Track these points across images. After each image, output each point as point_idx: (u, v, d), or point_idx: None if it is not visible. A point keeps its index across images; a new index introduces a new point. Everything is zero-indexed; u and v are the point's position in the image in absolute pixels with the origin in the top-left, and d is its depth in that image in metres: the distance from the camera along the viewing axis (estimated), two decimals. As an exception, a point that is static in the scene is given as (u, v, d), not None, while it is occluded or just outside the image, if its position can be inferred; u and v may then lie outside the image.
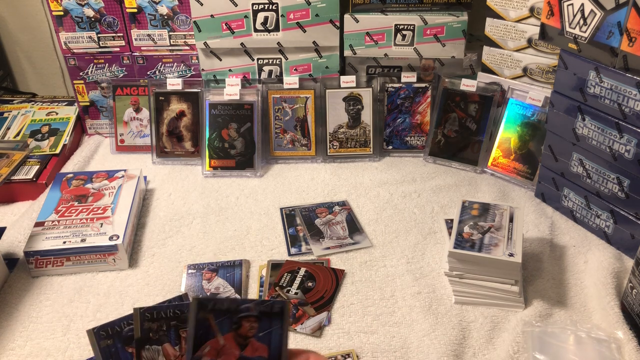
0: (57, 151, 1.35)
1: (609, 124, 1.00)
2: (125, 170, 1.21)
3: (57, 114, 1.47)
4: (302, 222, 1.15)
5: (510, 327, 0.90)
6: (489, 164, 1.31)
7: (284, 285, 0.99)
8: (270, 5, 1.29)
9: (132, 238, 1.11)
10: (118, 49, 1.38)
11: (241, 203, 1.22)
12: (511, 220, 0.99)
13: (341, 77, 1.35)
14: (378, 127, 1.37)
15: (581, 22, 1.00)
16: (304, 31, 1.32)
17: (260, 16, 1.30)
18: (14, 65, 1.69)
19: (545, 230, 1.12)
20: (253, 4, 1.29)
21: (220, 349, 0.43)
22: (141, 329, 0.43)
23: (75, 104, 1.48)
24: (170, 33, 1.36)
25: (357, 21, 1.32)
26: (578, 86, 1.03)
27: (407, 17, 1.31)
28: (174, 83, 1.35)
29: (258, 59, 1.37)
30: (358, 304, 0.95)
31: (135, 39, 1.37)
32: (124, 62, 1.39)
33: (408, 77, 1.36)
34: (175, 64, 1.39)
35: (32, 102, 1.52)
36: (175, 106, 1.36)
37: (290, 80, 1.35)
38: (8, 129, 1.42)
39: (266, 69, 1.38)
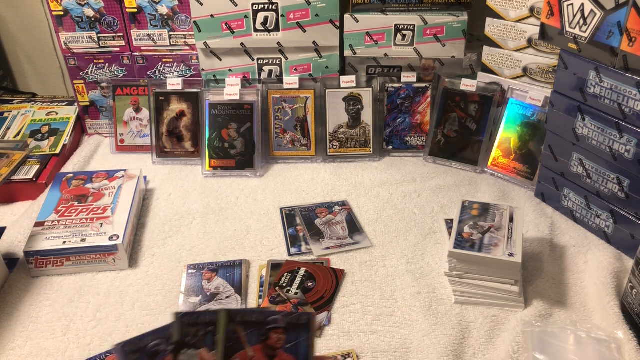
0: (57, 151, 1.35)
1: (609, 124, 1.00)
2: (125, 170, 1.21)
3: (57, 114, 1.48)
4: (302, 222, 1.15)
5: (510, 327, 0.90)
6: (489, 164, 1.31)
7: (284, 285, 0.99)
8: (270, 5, 1.29)
9: (132, 238, 1.11)
10: (118, 49, 1.38)
11: (241, 203, 1.22)
12: (511, 220, 0.99)
13: (341, 77, 1.35)
14: (378, 127, 1.37)
15: (581, 22, 0.99)
16: (304, 31, 1.32)
17: (260, 16, 1.30)
18: (14, 65, 1.69)
19: (545, 230, 1.12)
20: (253, 4, 1.29)
21: None
22: (179, 333, 0.44)
23: (75, 104, 1.48)
24: (170, 33, 1.36)
25: (357, 21, 1.32)
26: (578, 86, 1.03)
27: (407, 17, 1.31)
28: (174, 83, 1.35)
29: (258, 59, 1.37)
30: (358, 304, 0.95)
31: (135, 39, 1.37)
32: (124, 62, 1.39)
33: (408, 77, 1.36)
34: (175, 64, 1.39)
35: (32, 102, 1.52)
36: (175, 106, 1.36)
37: (290, 80, 1.35)
38: (8, 129, 1.42)
39: (266, 69, 1.38)
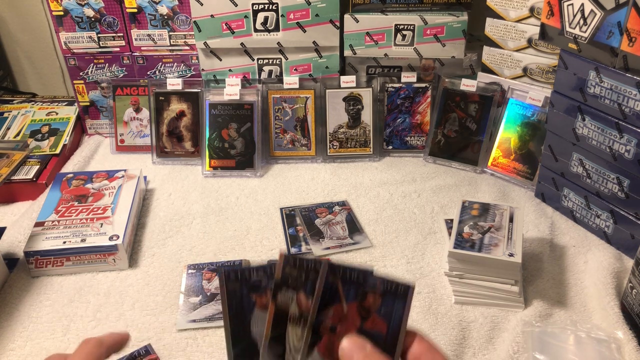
0: (57, 151, 1.35)
1: (609, 124, 1.00)
2: (125, 170, 1.21)
3: (57, 114, 1.48)
4: (302, 222, 1.15)
5: (510, 327, 0.90)
6: (489, 164, 1.31)
7: (284, 285, 0.99)
8: (270, 5, 1.29)
9: (132, 238, 1.11)
10: (118, 49, 1.38)
11: (241, 203, 1.22)
12: (511, 220, 0.99)
13: (341, 77, 1.35)
14: (378, 127, 1.37)
15: (581, 22, 0.99)
16: (304, 31, 1.32)
17: (260, 16, 1.30)
18: (14, 65, 1.69)
19: (545, 230, 1.12)
20: (253, 4, 1.29)
21: (342, 316, 0.44)
22: (282, 273, 0.43)
23: (75, 104, 1.48)
24: (170, 33, 1.36)
25: (357, 21, 1.32)
26: (578, 86, 1.03)
27: (407, 17, 1.31)
28: (174, 83, 1.35)
29: (258, 59, 1.37)
30: (358, 304, 0.95)
31: (135, 39, 1.37)
32: (124, 62, 1.39)
33: (408, 77, 1.36)
34: (175, 64, 1.39)
35: (32, 102, 1.52)
36: (175, 106, 1.36)
37: (290, 80, 1.35)
38: (8, 129, 1.42)
39: (266, 69, 1.38)
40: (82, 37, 1.36)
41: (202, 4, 1.29)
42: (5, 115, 1.46)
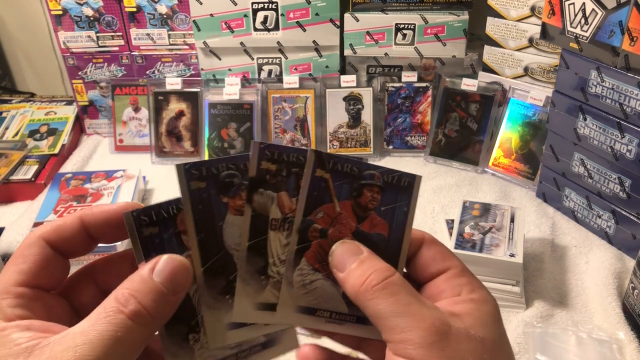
0: (56, 151, 1.34)
1: (611, 123, 0.99)
2: (124, 170, 1.21)
3: (55, 113, 1.47)
4: (302, 222, 1.14)
5: (512, 327, 0.90)
6: (490, 163, 1.30)
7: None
8: (270, 4, 1.28)
9: (131, 238, 1.10)
10: (117, 49, 1.38)
11: (241, 203, 1.22)
12: (512, 220, 0.98)
13: (341, 76, 1.35)
14: (378, 127, 1.36)
15: (582, 21, 0.99)
16: (304, 30, 1.31)
17: (260, 15, 1.30)
18: (12, 64, 1.69)
19: (547, 230, 1.11)
20: (253, 3, 1.28)
21: (335, 217, 0.36)
22: (257, 169, 0.35)
23: (74, 103, 1.47)
24: (170, 32, 1.36)
25: (357, 20, 1.31)
26: (579, 86, 1.03)
27: (407, 16, 1.30)
28: (173, 82, 1.34)
29: (258, 58, 1.36)
30: (358, 304, 0.95)
31: (135, 38, 1.36)
32: (123, 61, 1.39)
33: (408, 77, 1.35)
34: (175, 63, 1.39)
35: (31, 102, 1.52)
36: (175, 106, 1.35)
37: (290, 80, 1.35)
38: (6, 128, 1.41)
39: (266, 68, 1.37)
40: (80, 36, 1.36)
41: (201, 3, 1.28)
42: (4, 115, 1.46)
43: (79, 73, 1.40)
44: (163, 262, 0.33)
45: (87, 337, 0.29)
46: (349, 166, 0.37)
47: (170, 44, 1.37)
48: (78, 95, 1.43)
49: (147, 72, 1.40)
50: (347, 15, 1.31)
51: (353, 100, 1.35)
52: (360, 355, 0.39)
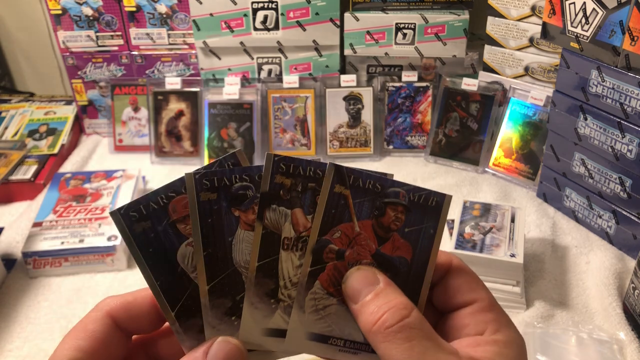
0: (55, 151, 1.34)
1: (611, 123, 0.99)
2: (123, 170, 1.21)
3: (55, 113, 1.47)
4: (302, 223, 1.14)
5: (512, 328, 0.89)
6: (491, 163, 1.30)
7: (284, 286, 0.98)
8: (270, 4, 1.28)
9: (131, 238, 1.10)
10: (116, 48, 1.37)
11: (241, 203, 1.21)
12: (513, 220, 0.98)
13: (341, 76, 1.35)
14: (378, 127, 1.36)
15: (583, 20, 0.99)
16: (304, 30, 1.31)
17: (260, 15, 1.29)
18: (11, 64, 1.68)
19: (547, 230, 1.11)
20: (252, 3, 1.28)
21: (353, 238, 0.33)
22: (270, 183, 0.32)
23: (74, 103, 1.47)
24: (169, 32, 1.35)
25: (357, 20, 1.31)
26: (580, 85, 1.03)
27: (407, 16, 1.30)
28: (172, 82, 1.34)
29: (257, 58, 1.36)
30: (358, 305, 0.95)
31: (134, 38, 1.36)
32: (123, 61, 1.38)
33: (409, 76, 1.35)
34: (174, 63, 1.38)
35: (30, 102, 1.51)
36: (174, 105, 1.35)
37: (290, 80, 1.35)
38: (6, 128, 1.41)
39: (266, 68, 1.37)
40: (80, 36, 1.36)
41: (201, 3, 1.28)
42: (3, 114, 1.46)
43: (79, 73, 1.40)
44: (217, 346, 0.31)
45: None
46: (372, 182, 0.35)
47: (170, 44, 1.37)
48: (77, 95, 1.43)
49: (147, 72, 1.39)
50: (347, 15, 1.31)
51: (353, 100, 1.35)
52: None
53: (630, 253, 1.03)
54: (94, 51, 1.38)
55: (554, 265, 1.03)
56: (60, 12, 1.33)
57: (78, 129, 1.48)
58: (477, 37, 1.40)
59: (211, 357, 0.30)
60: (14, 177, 1.24)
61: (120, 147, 1.41)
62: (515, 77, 1.27)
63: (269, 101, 1.35)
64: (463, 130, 1.32)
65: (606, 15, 0.94)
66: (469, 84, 1.30)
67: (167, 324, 0.35)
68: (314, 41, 1.33)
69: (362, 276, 0.32)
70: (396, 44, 1.33)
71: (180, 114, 1.35)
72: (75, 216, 1.07)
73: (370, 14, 1.31)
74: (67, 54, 1.38)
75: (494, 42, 1.26)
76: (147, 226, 0.33)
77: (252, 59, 1.36)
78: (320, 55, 1.35)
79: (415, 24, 1.30)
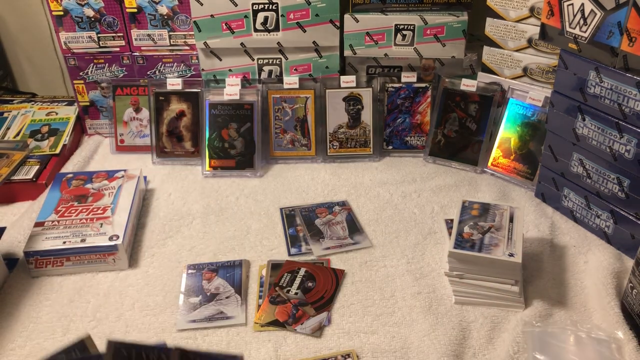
0: (57, 151, 1.35)
1: (609, 124, 1.00)
2: (125, 171, 1.21)
3: (57, 114, 1.47)
4: (302, 222, 1.15)
5: (511, 327, 0.90)
6: (489, 164, 1.31)
7: (284, 285, 0.99)
8: (270, 5, 1.28)
9: (132, 238, 1.11)
10: (118, 49, 1.38)
11: (241, 203, 1.22)
12: (511, 220, 0.99)
13: (341, 77, 1.35)
14: (378, 127, 1.37)
15: (581, 22, 0.99)
16: (304, 31, 1.32)
17: (260, 16, 1.30)
18: (13, 65, 1.69)
19: (546, 230, 1.11)
20: (253, 4, 1.29)
21: None
22: None
23: (75, 104, 1.48)
24: (170, 33, 1.36)
25: (357, 21, 1.32)
26: (578, 86, 1.03)
27: (407, 17, 1.31)
28: (174, 83, 1.35)
29: (258, 59, 1.37)
30: (358, 304, 0.95)
31: (135, 39, 1.37)
32: (124, 62, 1.39)
33: (408, 77, 1.36)
34: (175, 63, 1.39)
35: (32, 102, 1.52)
36: (175, 106, 1.36)
37: (290, 80, 1.35)
38: (8, 129, 1.42)
39: (266, 68, 1.38)
40: (82, 37, 1.36)
41: (202, 4, 1.29)
42: (5, 115, 1.46)
43: (80, 73, 1.40)
44: None
45: None
46: None
47: (171, 45, 1.38)
48: (79, 95, 1.44)
49: (148, 73, 1.40)
50: (347, 16, 1.31)
51: (353, 101, 1.35)
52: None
53: (628, 252, 1.04)
54: (96, 52, 1.38)
55: (553, 264, 1.03)
56: (61, 13, 1.34)
57: (80, 130, 1.48)
58: (476, 38, 1.41)
59: None
60: (16, 177, 1.25)
61: (122, 148, 1.42)
62: (513, 78, 1.28)
63: (269, 102, 1.35)
64: (462, 131, 1.32)
65: (604, 17, 0.95)
66: (467, 85, 1.31)
67: None
68: (314, 42, 1.33)
69: None
70: (395, 45, 1.34)
71: (181, 114, 1.36)
72: (77, 216, 1.07)
73: (370, 15, 1.32)
74: (69, 54, 1.38)
75: (492, 43, 1.27)
76: None
77: (253, 60, 1.36)
78: (320, 56, 1.36)
79: (414, 25, 1.31)
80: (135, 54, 1.38)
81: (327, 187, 1.27)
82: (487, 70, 1.31)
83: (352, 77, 1.35)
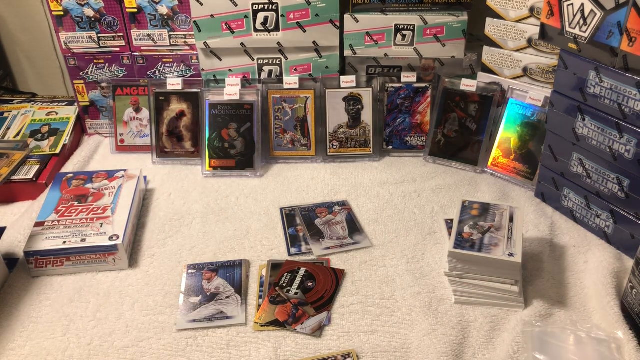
0: (57, 151, 1.35)
1: (609, 124, 1.00)
2: (125, 170, 1.21)
3: (57, 114, 1.48)
4: (302, 222, 1.15)
5: (510, 327, 0.90)
6: (489, 164, 1.31)
7: (284, 285, 0.99)
8: (270, 5, 1.29)
9: (132, 238, 1.11)
10: (118, 49, 1.38)
11: (241, 203, 1.22)
12: (511, 220, 0.99)
13: (341, 77, 1.35)
14: (378, 127, 1.37)
15: (581, 22, 0.99)
16: (304, 31, 1.32)
17: (260, 16, 1.30)
18: (14, 65, 1.69)
19: (545, 230, 1.12)
20: (253, 4, 1.29)
21: None
22: None
23: (75, 104, 1.48)
24: (170, 33, 1.36)
25: (357, 21, 1.32)
26: (578, 86, 1.03)
27: (407, 17, 1.31)
28: (174, 83, 1.35)
29: (258, 59, 1.37)
30: (358, 304, 0.95)
31: (135, 39, 1.37)
32: (124, 62, 1.39)
33: (408, 77, 1.36)
34: (175, 64, 1.39)
35: (32, 102, 1.52)
36: (175, 106, 1.36)
37: (290, 80, 1.35)
38: (8, 129, 1.42)
39: (266, 69, 1.38)
40: (82, 37, 1.36)
41: (202, 4, 1.29)
42: (5, 115, 1.46)
43: (80, 73, 1.41)
44: None
45: None
46: None
47: (171, 45, 1.38)
48: (79, 95, 1.44)
49: (148, 73, 1.40)
50: (347, 16, 1.31)
51: (353, 101, 1.35)
52: None
53: (628, 252, 1.04)
54: (96, 52, 1.39)
55: (552, 264, 1.03)
56: (62, 13, 1.34)
57: (80, 130, 1.48)
58: (475, 38, 1.41)
59: None
60: (16, 177, 1.25)
61: (122, 148, 1.42)
62: (513, 78, 1.28)
63: (269, 102, 1.36)
64: (462, 131, 1.32)
65: (604, 17, 0.95)
66: (467, 85, 1.31)
67: None
68: (314, 42, 1.33)
69: None
70: (395, 45, 1.34)
71: (181, 114, 1.36)
72: (77, 216, 1.07)
73: (370, 15, 1.32)
74: (69, 54, 1.39)
75: (492, 43, 1.27)
76: None
77: (253, 60, 1.37)
78: (320, 56, 1.36)
79: (414, 25, 1.31)
80: (135, 54, 1.38)
81: (327, 187, 1.27)
82: (487, 70, 1.31)
83: (352, 77, 1.35)
